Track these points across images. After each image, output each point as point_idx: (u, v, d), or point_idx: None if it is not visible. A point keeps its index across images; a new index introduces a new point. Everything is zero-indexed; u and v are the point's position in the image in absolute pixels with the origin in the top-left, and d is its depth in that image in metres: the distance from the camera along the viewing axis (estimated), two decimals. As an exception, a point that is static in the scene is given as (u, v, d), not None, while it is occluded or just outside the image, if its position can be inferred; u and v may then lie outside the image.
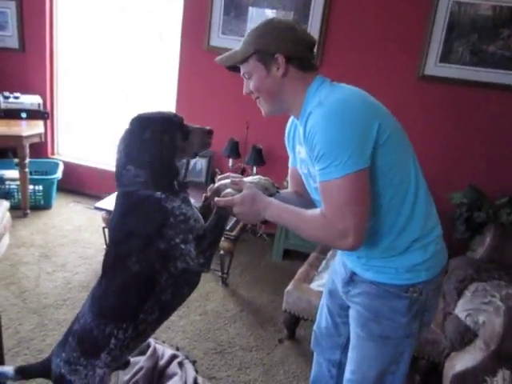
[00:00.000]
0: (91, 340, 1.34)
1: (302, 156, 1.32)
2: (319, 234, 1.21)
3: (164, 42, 3.68)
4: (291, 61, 1.24)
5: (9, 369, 1.42)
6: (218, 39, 3.33)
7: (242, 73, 1.32)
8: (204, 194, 1.43)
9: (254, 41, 1.26)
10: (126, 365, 1.60)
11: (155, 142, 1.27)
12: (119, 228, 1.32)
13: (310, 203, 1.38)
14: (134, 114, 1.35)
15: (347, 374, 1.43)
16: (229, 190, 1.32)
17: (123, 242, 1.30)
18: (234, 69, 1.34)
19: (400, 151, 1.23)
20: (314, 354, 1.71)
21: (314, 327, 1.68)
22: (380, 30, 3.03)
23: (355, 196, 1.14)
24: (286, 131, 1.45)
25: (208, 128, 1.39)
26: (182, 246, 1.25)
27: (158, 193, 1.26)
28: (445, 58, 2.93)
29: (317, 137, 1.14)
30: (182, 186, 1.34)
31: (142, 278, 1.28)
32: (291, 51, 1.24)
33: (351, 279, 1.37)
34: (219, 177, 1.42)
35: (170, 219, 1.24)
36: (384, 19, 3.01)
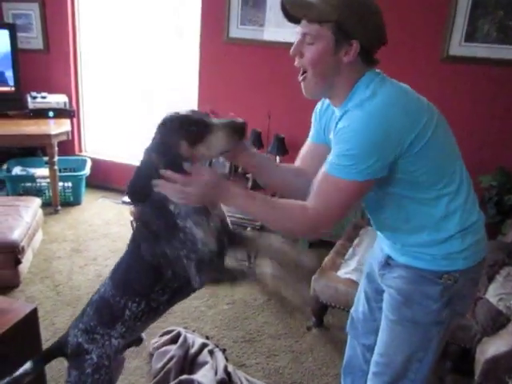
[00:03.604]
0: (108, 310, 1.39)
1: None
2: (292, 225, 1.19)
3: (183, 37, 3.70)
4: (362, 51, 1.14)
5: (26, 366, 1.38)
6: (237, 30, 3.31)
7: (302, 31, 1.15)
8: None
9: (342, 8, 1.09)
10: (139, 342, 1.63)
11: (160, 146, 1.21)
12: (142, 212, 1.38)
13: (304, 186, 1.30)
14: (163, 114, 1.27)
15: (375, 356, 1.43)
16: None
17: (141, 227, 1.38)
18: (294, 19, 1.16)
19: (441, 149, 1.19)
20: (348, 337, 1.72)
21: (352, 311, 1.69)
22: (402, 10, 2.96)
23: (347, 202, 1.15)
24: (318, 106, 1.40)
25: (240, 122, 1.25)
26: (185, 261, 1.27)
27: (172, 206, 1.25)
28: (470, 36, 2.84)
29: (345, 136, 1.11)
30: None
31: (149, 265, 1.33)
32: (368, 42, 1.14)
33: (387, 263, 1.37)
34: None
35: (179, 235, 1.26)
36: None
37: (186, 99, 3.76)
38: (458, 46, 2.87)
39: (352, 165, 1.09)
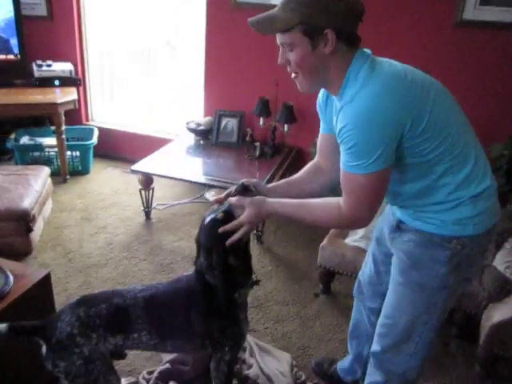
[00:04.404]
0: (122, 321, 1.36)
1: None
2: (333, 224, 1.46)
3: (190, 2, 3.61)
4: (340, 36, 1.12)
5: (2, 326, 1.31)
6: (244, -6, 3.23)
7: (279, 42, 1.19)
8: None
9: (300, 9, 1.10)
10: (120, 357, 1.63)
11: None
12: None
13: (326, 180, 1.46)
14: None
15: (381, 318, 1.46)
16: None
17: (201, 291, 1.42)
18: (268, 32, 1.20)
19: (445, 122, 1.18)
20: (355, 300, 1.75)
21: (359, 274, 1.72)
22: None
23: (375, 192, 1.18)
24: (320, 98, 1.41)
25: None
26: (226, 349, 1.44)
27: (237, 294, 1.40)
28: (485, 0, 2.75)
29: (345, 136, 1.13)
30: None
31: (191, 331, 1.42)
32: (342, 25, 1.12)
33: (398, 227, 1.39)
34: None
35: (235, 327, 1.44)
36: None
37: (192, 67, 3.72)
38: (473, 10, 2.78)
39: (362, 160, 1.13)
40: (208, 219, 1.35)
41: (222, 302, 1.36)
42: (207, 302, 1.38)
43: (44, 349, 1.33)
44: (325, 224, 1.32)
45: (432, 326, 1.39)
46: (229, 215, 1.32)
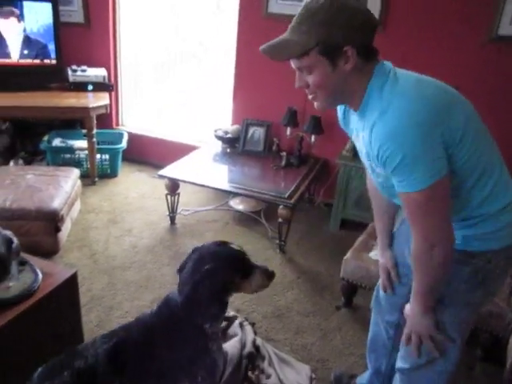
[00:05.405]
0: (88, 381, 1.28)
1: (360, 145, 1.26)
2: (429, 267, 1.19)
3: (222, 12, 3.67)
4: (360, 51, 1.09)
5: None
6: (276, 5, 3.26)
7: (295, 66, 1.15)
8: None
9: (316, 30, 1.06)
10: None
11: (208, 279, 1.33)
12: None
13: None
14: (199, 246, 1.44)
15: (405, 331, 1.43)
16: None
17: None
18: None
19: (477, 141, 1.16)
20: (373, 313, 1.73)
21: (377, 286, 1.69)
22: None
23: (433, 209, 1.12)
24: (339, 116, 1.38)
25: (271, 270, 1.44)
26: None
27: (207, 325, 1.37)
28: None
29: (388, 152, 1.08)
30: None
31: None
32: (360, 40, 1.08)
33: None
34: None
35: (206, 358, 1.39)
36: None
37: (222, 76, 3.76)
38: (509, 26, 2.73)
39: (415, 174, 1.08)
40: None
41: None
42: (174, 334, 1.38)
43: None
44: (432, 276, 1.21)
45: (458, 345, 1.36)
46: None
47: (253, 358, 1.98)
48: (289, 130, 3.35)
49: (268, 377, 1.93)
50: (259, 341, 2.11)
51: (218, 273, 1.34)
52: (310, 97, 1.20)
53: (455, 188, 1.18)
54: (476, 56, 2.87)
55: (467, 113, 1.16)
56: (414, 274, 1.26)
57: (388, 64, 1.17)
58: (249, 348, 2.01)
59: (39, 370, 1.29)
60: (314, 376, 2.00)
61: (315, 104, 1.22)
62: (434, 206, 1.12)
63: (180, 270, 1.43)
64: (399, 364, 1.49)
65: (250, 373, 1.91)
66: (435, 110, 1.09)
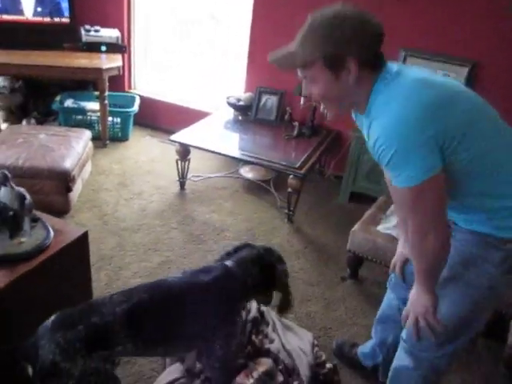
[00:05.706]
0: (103, 337, 1.26)
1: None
2: (424, 257, 1.22)
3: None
4: (362, 61, 1.11)
5: None
6: (295, -31, 3.16)
7: (300, 75, 1.19)
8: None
9: (319, 43, 1.10)
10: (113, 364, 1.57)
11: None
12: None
13: None
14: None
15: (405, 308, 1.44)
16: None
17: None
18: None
19: (485, 137, 1.16)
20: (388, 288, 1.74)
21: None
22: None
23: (426, 202, 1.14)
24: (353, 114, 1.39)
25: (292, 303, 1.70)
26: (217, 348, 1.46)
27: None
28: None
29: (383, 147, 1.11)
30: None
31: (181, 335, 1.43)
32: (364, 52, 1.10)
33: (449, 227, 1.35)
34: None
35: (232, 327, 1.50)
36: None
37: (236, 42, 3.69)
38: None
39: (408, 169, 1.10)
40: None
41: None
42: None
43: (30, 370, 1.25)
44: (429, 260, 1.23)
45: (476, 325, 1.38)
46: None
47: (257, 323, 2.02)
48: (302, 100, 3.30)
49: (271, 341, 1.97)
50: (264, 308, 2.14)
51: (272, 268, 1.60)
52: (321, 108, 1.25)
53: (473, 184, 1.19)
54: (498, 27, 2.77)
55: (472, 110, 1.16)
56: (412, 259, 1.30)
57: (392, 66, 1.17)
58: (253, 313, 2.05)
59: (53, 317, 1.27)
60: (316, 343, 2.04)
61: (328, 115, 1.27)
62: (427, 200, 1.13)
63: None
64: (404, 333, 1.51)
65: (253, 337, 1.94)
66: (429, 109, 1.09)
